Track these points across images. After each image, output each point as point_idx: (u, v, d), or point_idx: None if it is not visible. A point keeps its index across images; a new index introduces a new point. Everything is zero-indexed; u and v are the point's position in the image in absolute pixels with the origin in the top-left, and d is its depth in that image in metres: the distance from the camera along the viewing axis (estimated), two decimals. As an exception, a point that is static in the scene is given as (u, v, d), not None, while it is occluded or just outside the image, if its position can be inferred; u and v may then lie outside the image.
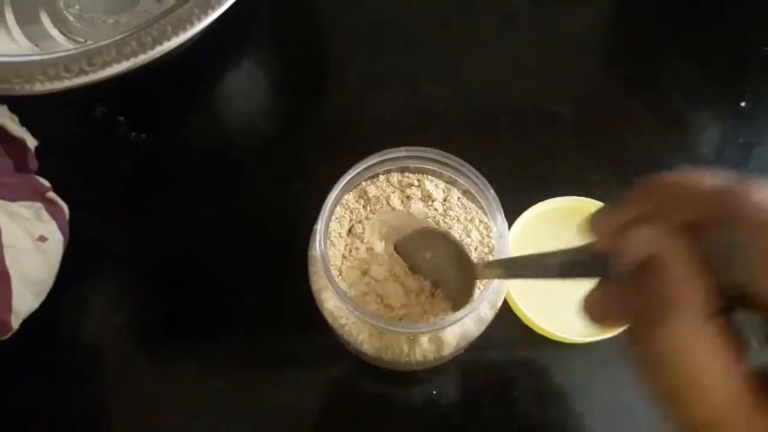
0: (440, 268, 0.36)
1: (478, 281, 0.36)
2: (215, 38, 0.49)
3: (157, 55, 0.40)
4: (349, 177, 0.36)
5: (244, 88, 0.55)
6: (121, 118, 0.51)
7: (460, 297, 0.36)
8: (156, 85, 0.52)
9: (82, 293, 0.46)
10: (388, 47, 0.55)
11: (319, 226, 0.34)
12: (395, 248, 0.38)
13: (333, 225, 0.38)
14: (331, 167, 0.37)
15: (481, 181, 0.36)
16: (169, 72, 0.50)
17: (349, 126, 0.52)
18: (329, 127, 0.52)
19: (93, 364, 0.45)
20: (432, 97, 0.53)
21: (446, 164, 0.37)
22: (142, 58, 0.40)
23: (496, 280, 0.34)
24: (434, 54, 0.55)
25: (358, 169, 0.36)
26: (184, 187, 0.50)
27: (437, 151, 0.37)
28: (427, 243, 0.37)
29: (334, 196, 0.35)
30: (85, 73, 0.39)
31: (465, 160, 0.37)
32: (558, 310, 0.43)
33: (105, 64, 0.39)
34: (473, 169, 0.36)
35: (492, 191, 0.35)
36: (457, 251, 0.36)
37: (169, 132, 0.52)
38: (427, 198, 0.39)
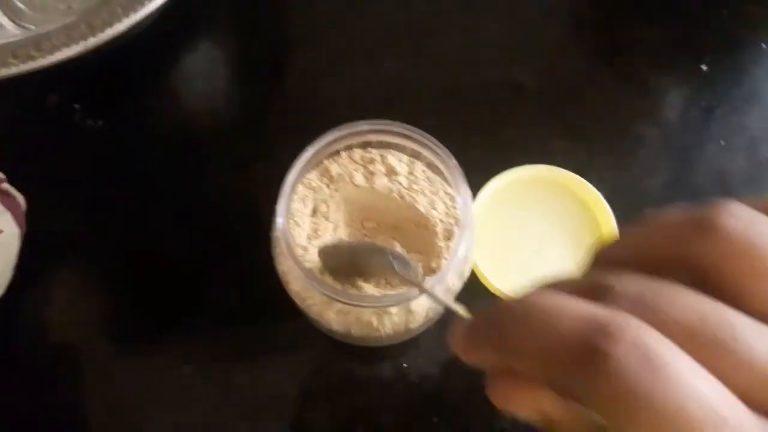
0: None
1: (443, 249, 0.36)
2: (171, 19, 0.47)
3: (108, 38, 0.39)
4: (308, 154, 0.35)
5: (203, 70, 0.53)
6: (77, 106, 0.50)
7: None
8: (111, 70, 0.50)
9: (44, 287, 0.45)
10: (349, 24, 0.54)
11: (280, 206, 0.34)
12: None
13: (297, 205, 0.38)
14: (295, 148, 0.36)
15: (443, 151, 0.35)
16: (124, 56, 0.48)
17: (311, 105, 0.51)
18: (292, 107, 0.51)
19: (58, 358, 0.44)
20: (395, 73, 0.52)
21: (408, 137, 0.36)
22: (93, 42, 0.39)
23: (462, 248, 0.34)
24: (396, 29, 0.54)
25: (318, 146, 0.36)
26: (144, 174, 0.49)
27: (398, 123, 0.36)
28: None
29: (293, 174, 0.35)
30: (33, 58, 0.38)
31: (431, 134, 0.36)
32: (526, 278, 0.43)
33: (54, 49, 0.38)
34: (434, 140, 0.35)
35: (454, 160, 0.35)
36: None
37: (127, 118, 0.51)
38: (390, 173, 0.39)
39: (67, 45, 0.38)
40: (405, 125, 0.36)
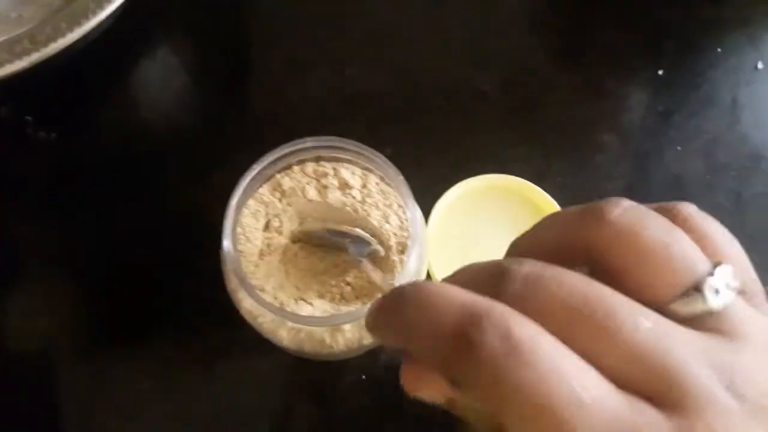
0: None
1: (397, 263, 0.36)
2: (126, 26, 0.47)
3: (53, 53, 0.38)
4: (256, 170, 0.35)
5: (159, 78, 0.52)
6: (29, 118, 0.49)
7: None
8: (64, 81, 0.50)
9: (1, 300, 0.45)
10: (312, 31, 0.54)
11: (226, 227, 0.33)
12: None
13: (248, 220, 0.37)
14: (254, 157, 0.36)
15: (392, 168, 0.35)
16: (79, 65, 0.47)
17: (272, 115, 0.50)
18: (252, 116, 0.51)
19: (18, 370, 0.44)
20: (357, 79, 0.52)
21: (354, 152, 0.36)
22: (37, 57, 0.38)
23: (412, 262, 0.34)
24: (359, 35, 0.54)
25: (265, 162, 0.35)
26: (100, 186, 0.48)
27: (344, 139, 0.36)
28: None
29: (240, 190, 0.34)
30: (-25, 75, 0.38)
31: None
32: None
33: (-4, 65, 0.38)
34: (380, 155, 0.35)
35: (401, 177, 0.35)
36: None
37: (81, 129, 0.50)
38: (344, 186, 0.38)
39: (10, 61, 0.37)
40: (351, 141, 0.36)
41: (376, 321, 0.20)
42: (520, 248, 0.22)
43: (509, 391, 0.15)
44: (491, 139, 0.49)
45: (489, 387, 0.15)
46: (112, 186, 0.48)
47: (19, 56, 0.37)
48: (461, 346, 0.16)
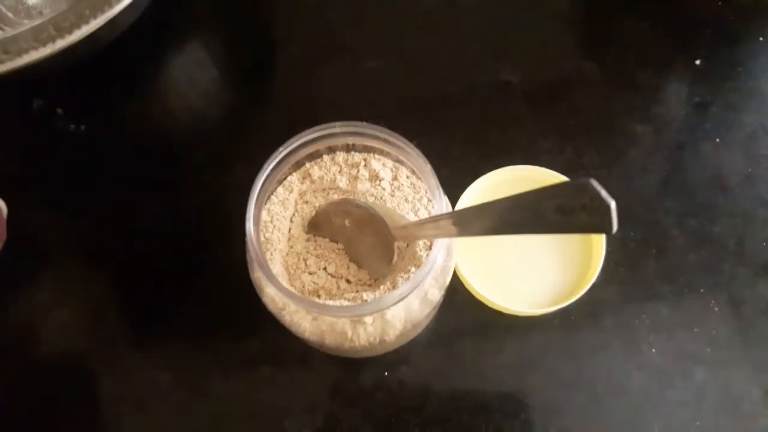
0: (356, 235, 0.36)
1: (424, 258, 0.35)
2: (153, 21, 0.47)
3: (77, 39, 0.38)
4: (282, 153, 0.34)
5: (185, 72, 0.52)
6: (60, 110, 0.49)
7: (377, 265, 0.35)
8: (95, 74, 0.50)
9: (24, 292, 0.45)
10: (331, 23, 0.53)
11: (249, 209, 0.32)
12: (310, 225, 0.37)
13: (276, 208, 0.37)
14: (276, 150, 0.35)
15: (418, 154, 0.34)
16: (108, 59, 0.48)
17: (293, 106, 0.50)
18: (273, 109, 0.50)
19: (38, 362, 0.43)
20: (378, 72, 0.51)
21: (383, 139, 0.35)
22: (61, 44, 0.38)
23: (439, 258, 0.33)
24: (377, 28, 0.53)
25: (290, 147, 0.34)
26: (125, 178, 0.48)
27: (373, 125, 0.35)
28: (342, 212, 0.37)
29: (266, 172, 0.33)
30: (1, 61, 0.38)
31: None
32: (511, 284, 0.42)
33: (22, 51, 0.38)
34: (408, 143, 0.34)
35: (429, 166, 0.33)
36: (369, 215, 0.35)
37: (110, 122, 0.50)
38: (374, 178, 0.37)
39: (35, 47, 0.37)
40: (380, 128, 0.34)
41: None
42: None
43: None
44: (518, 131, 0.48)
45: None
46: (137, 177, 0.48)
47: (44, 43, 0.37)
48: None
